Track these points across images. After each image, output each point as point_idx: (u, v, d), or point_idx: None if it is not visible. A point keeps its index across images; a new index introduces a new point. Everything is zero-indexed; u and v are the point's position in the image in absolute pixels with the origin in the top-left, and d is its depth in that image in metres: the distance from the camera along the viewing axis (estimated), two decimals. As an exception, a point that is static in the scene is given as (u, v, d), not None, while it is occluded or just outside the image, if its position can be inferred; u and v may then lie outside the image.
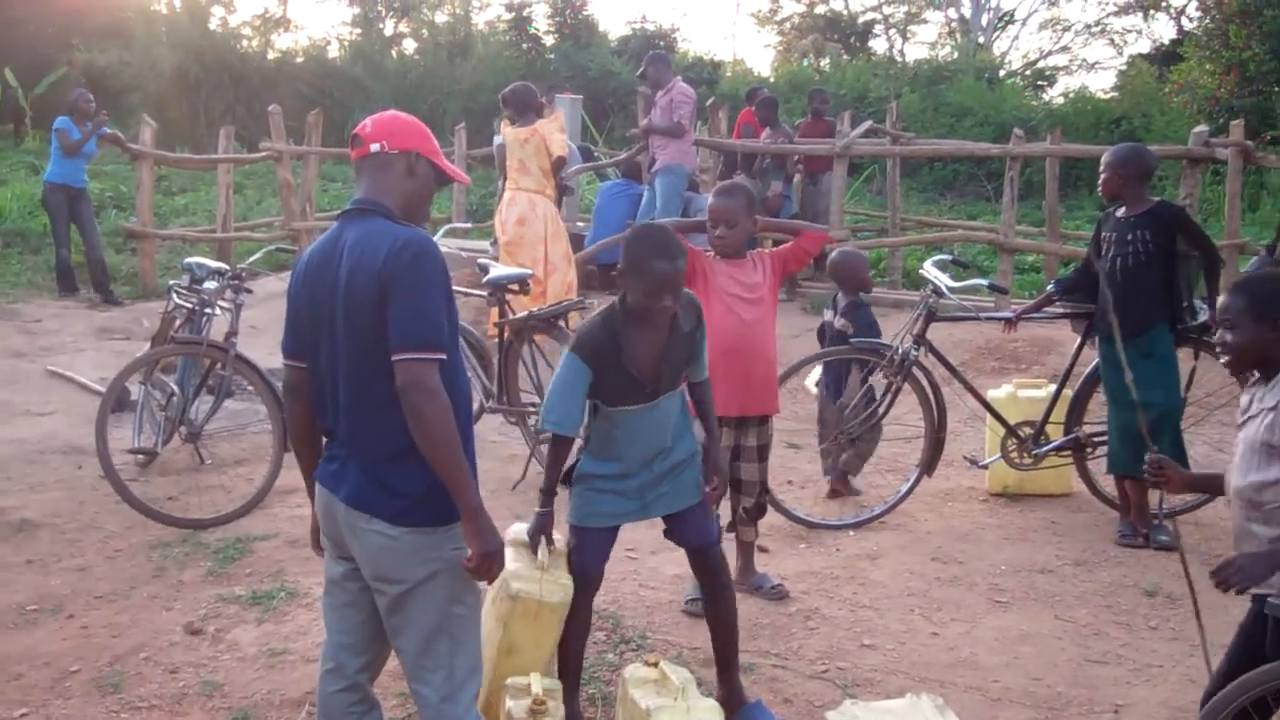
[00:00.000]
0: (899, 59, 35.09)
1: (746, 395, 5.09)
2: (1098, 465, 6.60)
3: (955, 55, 33.65)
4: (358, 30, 29.36)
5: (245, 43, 27.34)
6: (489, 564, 3.06)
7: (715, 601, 4.31)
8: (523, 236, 9.62)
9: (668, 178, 10.98)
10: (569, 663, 4.15)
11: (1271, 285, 3.43)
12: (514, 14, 27.90)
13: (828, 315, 7.06)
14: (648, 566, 5.73)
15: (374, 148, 3.16)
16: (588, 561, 4.14)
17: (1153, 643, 5.01)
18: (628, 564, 5.73)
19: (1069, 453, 6.70)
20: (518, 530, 4.17)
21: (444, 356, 2.98)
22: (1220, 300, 3.51)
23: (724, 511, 5.25)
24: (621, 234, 11.47)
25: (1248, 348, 3.41)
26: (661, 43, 26.75)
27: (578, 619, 4.11)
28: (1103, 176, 6.19)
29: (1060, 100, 29.81)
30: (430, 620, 3.13)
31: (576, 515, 4.14)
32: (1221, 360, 3.53)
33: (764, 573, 5.46)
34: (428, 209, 3.42)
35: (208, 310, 6.92)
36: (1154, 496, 6.25)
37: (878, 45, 37.48)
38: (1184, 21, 32.98)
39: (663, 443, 4.09)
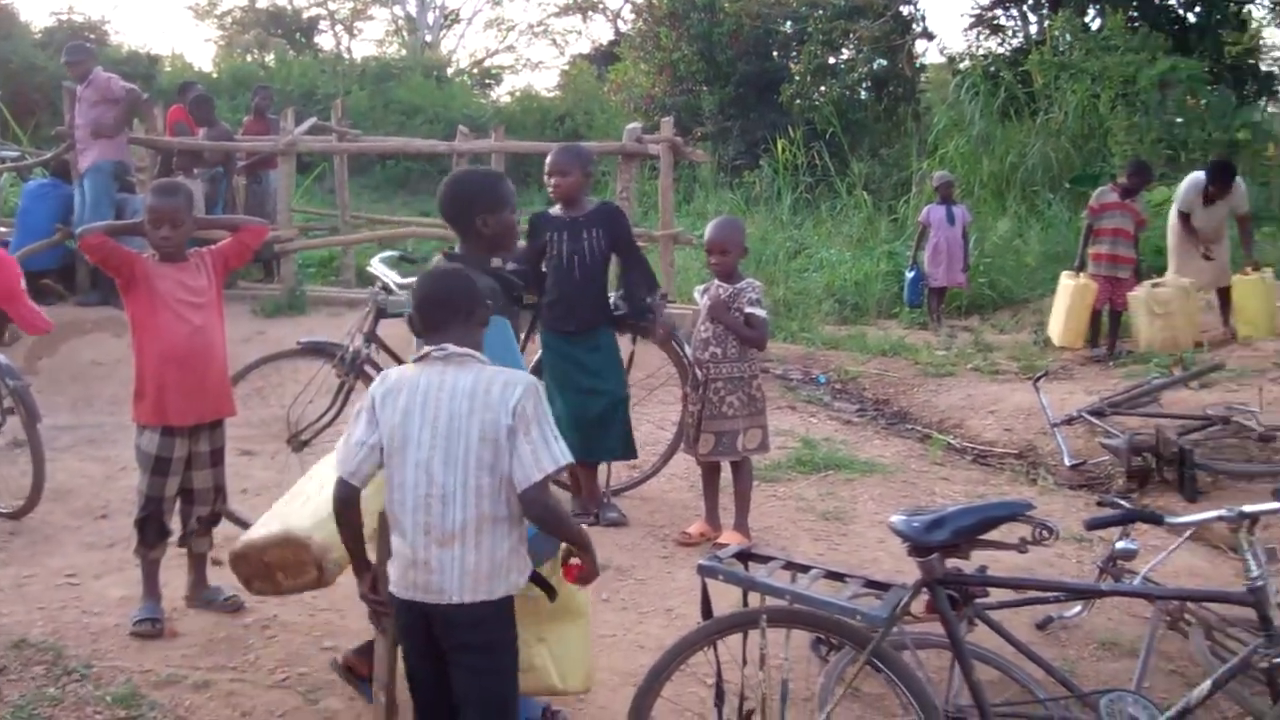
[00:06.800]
0: (347, 56, 35.04)
1: (202, 402, 4.94)
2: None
3: (403, 53, 34.10)
4: None
5: None
6: None
7: None
8: (-61, 246, 8.72)
9: (97, 177, 10.22)
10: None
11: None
12: (-78, 1, 25.06)
13: None
14: (92, 592, 5.32)
15: None
16: None
17: (605, 613, 5.22)
18: (68, 590, 5.33)
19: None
20: None
21: None
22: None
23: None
24: (51, 239, 10.62)
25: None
26: (92, 35, 25.04)
27: None
28: (552, 181, 6.27)
29: (507, 98, 30.92)
30: None
31: None
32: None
33: (217, 585, 5.19)
34: None
35: None
36: (601, 475, 6.57)
37: (325, 41, 37.33)
38: (620, 24, 35.30)
39: None
